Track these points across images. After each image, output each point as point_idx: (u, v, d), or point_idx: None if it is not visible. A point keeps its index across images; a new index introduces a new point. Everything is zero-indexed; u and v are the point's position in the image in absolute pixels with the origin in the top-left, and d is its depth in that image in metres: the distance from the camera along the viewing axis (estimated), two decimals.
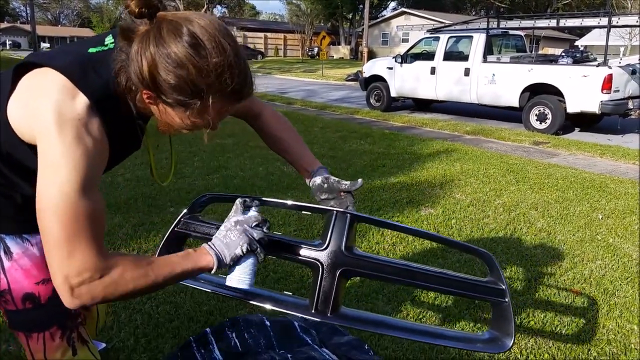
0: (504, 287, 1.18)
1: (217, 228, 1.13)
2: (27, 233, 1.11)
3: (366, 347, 2.01)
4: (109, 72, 0.96)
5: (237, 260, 1.07)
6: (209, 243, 1.06)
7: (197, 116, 0.95)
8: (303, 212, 1.38)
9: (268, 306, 1.27)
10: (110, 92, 0.96)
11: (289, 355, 1.95)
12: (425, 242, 3.16)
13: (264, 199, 1.46)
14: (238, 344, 2.00)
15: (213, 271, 1.05)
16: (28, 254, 1.11)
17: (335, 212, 1.25)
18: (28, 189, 1.02)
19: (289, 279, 2.60)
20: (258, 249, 1.08)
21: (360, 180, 1.32)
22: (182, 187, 4.23)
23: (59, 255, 0.88)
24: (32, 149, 0.94)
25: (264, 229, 1.10)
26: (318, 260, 1.21)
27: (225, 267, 1.06)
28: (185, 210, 1.36)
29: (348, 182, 1.31)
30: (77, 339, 1.21)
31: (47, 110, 0.89)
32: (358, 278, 2.47)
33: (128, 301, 2.33)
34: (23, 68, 0.97)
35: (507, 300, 1.18)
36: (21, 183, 1.04)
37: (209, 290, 1.32)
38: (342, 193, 1.34)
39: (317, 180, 1.34)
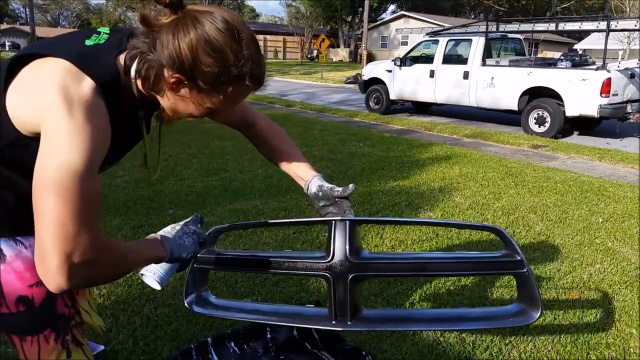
0: (520, 257, 1.17)
1: (234, 257, 1.30)
2: (20, 235, 1.10)
3: (363, 353, 2.00)
4: (110, 62, 0.99)
5: (177, 260, 1.18)
6: (163, 238, 1.15)
7: (223, 100, 1.02)
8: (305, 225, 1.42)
9: (288, 324, 1.30)
10: (113, 79, 0.99)
11: None
12: (424, 243, 3.16)
13: (270, 221, 1.54)
14: (237, 350, 2.02)
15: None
16: (21, 257, 1.10)
17: (333, 221, 1.26)
18: (25, 187, 1.02)
19: (288, 281, 2.59)
20: (190, 256, 1.20)
21: (351, 185, 1.35)
22: (181, 189, 4.23)
23: (62, 233, 0.86)
24: (33, 140, 0.94)
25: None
26: (327, 273, 1.23)
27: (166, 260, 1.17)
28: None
29: (340, 189, 1.34)
30: (71, 342, 1.21)
31: (54, 92, 0.90)
32: None
33: (127, 304, 2.33)
34: (21, 60, 0.97)
35: (525, 270, 1.17)
36: (19, 181, 1.02)
37: (251, 320, 1.34)
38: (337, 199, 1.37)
39: (312, 189, 1.38)
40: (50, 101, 0.89)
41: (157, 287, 1.21)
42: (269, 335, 2.11)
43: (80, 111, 0.90)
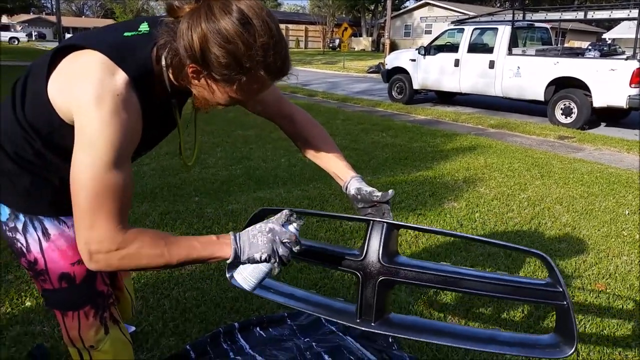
0: (561, 289, 1.11)
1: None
2: (64, 215, 1.15)
3: (390, 339, 2.03)
4: (145, 54, 1.01)
5: (252, 261, 1.07)
6: (236, 236, 1.07)
7: (239, 91, 0.99)
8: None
9: (316, 314, 1.31)
10: (147, 71, 1.01)
11: (313, 343, 1.99)
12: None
13: (306, 211, 1.50)
14: (263, 334, 2.06)
15: (227, 261, 1.07)
16: (65, 236, 1.16)
17: (371, 222, 1.25)
18: (66, 171, 1.06)
19: (312, 268, 2.62)
20: (276, 264, 1.07)
21: (391, 191, 1.32)
22: (206, 177, 4.29)
23: (83, 224, 0.96)
24: (72, 127, 0.98)
25: (293, 249, 1.08)
26: (357, 271, 1.24)
27: (238, 261, 1.07)
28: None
29: (379, 194, 1.31)
30: (109, 319, 1.26)
31: (88, 85, 0.93)
32: None
33: (156, 287, 2.39)
34: (63, 51, 1.01)
35: (565, 303, 1.11)
36: (61, 165, 1.08)
37: (281, 302, 1.34)
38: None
39: (351, 191, 1.36)
40: (83, 94, 0.93)
41: (247, 288, 1.11)
42: (288, 322, 2.15)
43: (109, 106, 0.93)
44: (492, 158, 5.46)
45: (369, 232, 1.25)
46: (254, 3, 0.94)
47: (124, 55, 0.97)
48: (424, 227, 1.34)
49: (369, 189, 1.33)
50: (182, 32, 0.93)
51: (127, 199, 0.99)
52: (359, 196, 1.33)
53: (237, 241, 1.06)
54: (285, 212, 1.11)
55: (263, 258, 1.05)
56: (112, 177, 0.94)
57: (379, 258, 1.21)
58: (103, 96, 0.92)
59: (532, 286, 1.17)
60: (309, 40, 44.18)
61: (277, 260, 1.06)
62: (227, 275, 1.16)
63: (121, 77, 0.95)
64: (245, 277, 1.09)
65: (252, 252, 1.05)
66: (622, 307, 2.41)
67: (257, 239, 1.06)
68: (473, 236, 1.34)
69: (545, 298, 1.14)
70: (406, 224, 1.38)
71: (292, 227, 1.10)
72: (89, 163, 0.93)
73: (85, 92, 0.93)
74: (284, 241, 1.06)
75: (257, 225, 1.08)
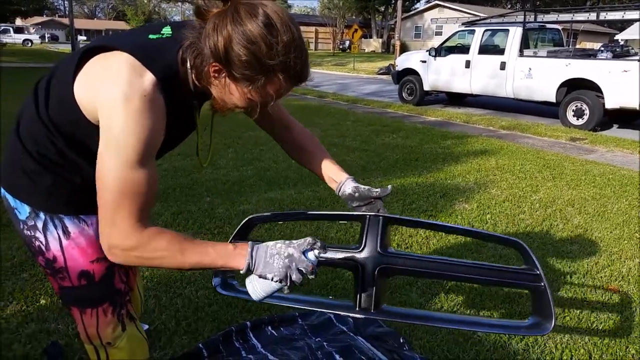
0: (538, 272, 1.23)
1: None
2: (84, 214, 1.18)
3: (401, 340, 2.04)
4: (171, 56, 1.03)
5: (263, 278, 1.06)
6: (254, 250, 1.06)
7: (258, 92, 1.02)
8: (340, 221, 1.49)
9: (314, 308, 1.39)
10: (173, 73, 1.03)
11: (324, 343, 2.00)
12: (459, 235, 3.15)
13: (304, 211, 1.56)
14: (275, 333, 2.08)
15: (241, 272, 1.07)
16: (84, 234, 1.18)
17: (368, 216, 1.31)
18: (88, 170, 1.08)
19: (321, 268, 2.62)
20: (287, 286, 1.06)
21: (389, 187, 1.38)
22: (217, 177, 4.31)
23: (105, 219, 0.99)
24: (97, 127, 1.01)
25: (308, 277, 1.06)
26: (357, 262, 1.29)
27: (251, 273, 1.07)
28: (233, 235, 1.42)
29: (378, 190, 1.36)
30: (126, 316, 1.29)
31: (116, 85, 0.96)
32: None
33: (169, 286, 2.41)
34: (90, 52, 1.03)
35: (543, 284, 1.22)
36: (83, 164, 1.10)
37: (275, 303, 1.36)
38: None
39: (347, 190, 1.39)
40: (111, 94, 0.96)
41: (254, 299, 1.11)
42: (300, 321, 2.17)
43: (137, 106, 0.95)
44: (504, 159, 5.45)
45: (366, 227, 1.30)
46: (279, 8, 0.98)
47: (151, 57, 1.00)
48: (416, 220, 1.45)
49: (366, 186, 1.39)
50: (208, 32, 0.96)
51: (149, 198, 1.01)
52: (356, 194, 1.38)
53: (254, 256, 1.05)
54: (309, 239, 1.09)
55: (275, 280, 1.05)
56: (135, 176, 0.97)
57: (377, 249, 1.28)
58: (131, 96, 0.95)
59: (512, 271, 1.29)
60: (319, 41, 44.20)
61: (289, 284, 1.05)
62: (214, 281, 1.25)
63: (149, 78, 0.98)
64: (256, 288, 1.08)
65: (265, 272, 1.05)
66: (635, 309, 2.40)
67: (274, 259, 1.04)
68: (459, 226, 1.47)
69: (525, 281, 1.26)
70: (400, 217, 1.48)
71: (312, 255, 1.07)
72: (114, 161, 0.96)
73: (113, 91, 0.95)
74: (299, 268, 1.04)
75: (278, 245, 1.06)
